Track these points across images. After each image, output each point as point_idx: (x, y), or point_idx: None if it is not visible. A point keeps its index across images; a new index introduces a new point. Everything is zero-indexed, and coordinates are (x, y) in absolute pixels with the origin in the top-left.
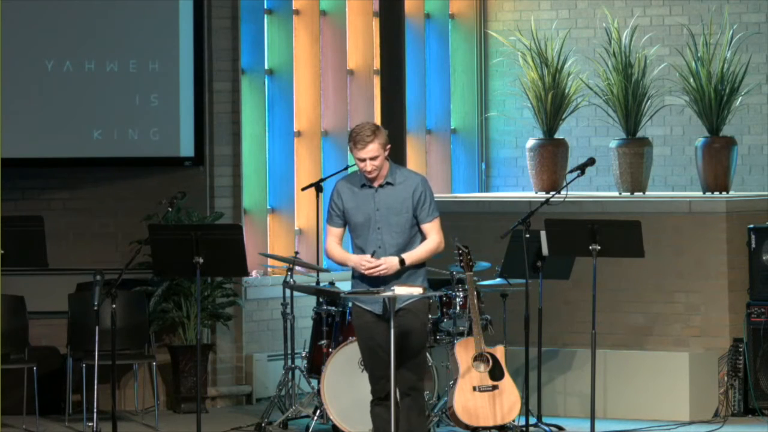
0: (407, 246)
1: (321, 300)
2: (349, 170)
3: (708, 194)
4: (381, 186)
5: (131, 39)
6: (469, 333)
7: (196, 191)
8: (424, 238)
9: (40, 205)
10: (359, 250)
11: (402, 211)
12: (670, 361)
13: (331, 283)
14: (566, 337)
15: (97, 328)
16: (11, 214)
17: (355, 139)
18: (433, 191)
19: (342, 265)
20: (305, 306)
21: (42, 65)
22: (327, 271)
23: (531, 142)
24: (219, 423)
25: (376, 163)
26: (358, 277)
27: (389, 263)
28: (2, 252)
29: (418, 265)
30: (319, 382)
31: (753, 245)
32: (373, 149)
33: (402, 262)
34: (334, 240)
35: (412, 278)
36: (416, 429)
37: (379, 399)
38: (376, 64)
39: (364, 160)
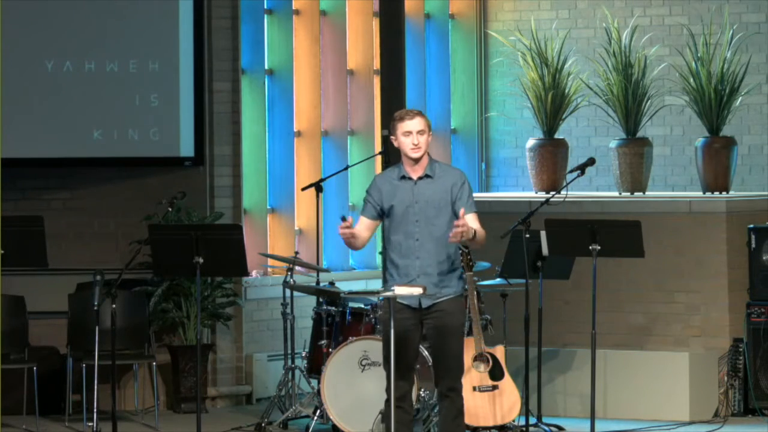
0: (445, 239)
1: (321, 300)
2: (349, 171)
3: (708, 194)
4: (420, 178)
5: (131, 39)
6: (469, 333)
7: (196, 191)
8: None
9: (40, 205)
10: (397, 245)
11: (440, 204)
12: (670, 361)
13: (331, 283)
14: (566, 337)
15: (97, 328)
16: (11, 214)
17: (401, 115)
18: None
19: (353, 247)
20: (305, 306)
21: (42, 65)
22: (327, 271)
23: (531, 142)
24: (219, 423)
25: (422, 139)
26: (390, 269)
27: (467, 226)
28: (2, 252)
29: (454, 267)
30: (319, 382)
31: (753, 245)
32: (422, 123)
33: (475, 233)
34: (360, 226)
35: (448, 278)
36: (456, 430)
37: (389, 400)
38: (376, 64)
39: (411, 133)
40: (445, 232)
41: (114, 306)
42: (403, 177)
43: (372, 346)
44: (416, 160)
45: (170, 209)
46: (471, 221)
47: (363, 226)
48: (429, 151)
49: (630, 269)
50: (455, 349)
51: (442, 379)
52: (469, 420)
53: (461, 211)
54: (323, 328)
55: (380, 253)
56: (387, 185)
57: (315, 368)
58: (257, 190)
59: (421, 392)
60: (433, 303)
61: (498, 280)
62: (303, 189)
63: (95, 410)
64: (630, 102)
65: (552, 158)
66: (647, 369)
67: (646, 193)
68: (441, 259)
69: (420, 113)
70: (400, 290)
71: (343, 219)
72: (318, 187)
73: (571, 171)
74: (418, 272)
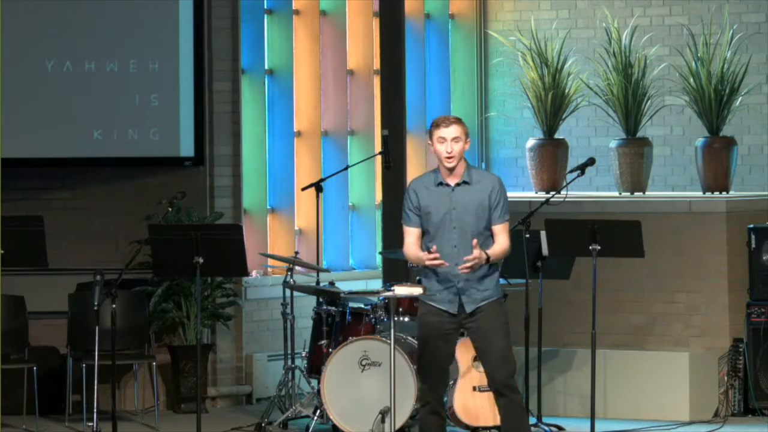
0: (482, 247)
1: (321, 300)
2: (349, 171)
3: (708, 194)
4: (457, 185)
5: (131, 39)
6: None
7: (196, 191)
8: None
9: (40, 205)
10: (443, 254)
11: (478, 211)
12: (670, 361)
13: (331, 283)
14: (566, 337)
15: (97, 328)
16: (11, 214)
17: (437, 122)
18: None
19: (418, 264)
20: (305, 306)
21: (42, 65)
22: (327, 271)
23: (531, 142)
24: (219, 423)
25: (457, 147)
26: (429, 275)
27: (480, 257)
28: (2, 252)
29: (494, 267)
30: (319, 382)
31: (753, 245)
32: (457, 131)
33: (488, 258)
34: (411, 240)
35: (489, 279)
36: (519, 426)
37: (429, 404)
38: (376, 64)
39: (445, 140)
40: (483, 239)
41: (114, 306)
42: (440, 183)
43: (372, 346)
44: (451, 169)
45: (170, 209)
46: (499, 232)
47: (415, 239)
48: (427, 152)
49: (630, 269)
50: (500, 346)
51: (493, 378)
52: (469, 420)
53: (474, 242)
54: (323, 328)
55: (380, 253)
56: (424, 190)
57: (315, 368)
58: (257, 190)
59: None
60: (476, 307)
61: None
62: (303, 189)
63: (95, 410)
64: (630, 102)
65: (552, 158)
66: (647, 369)
67: (646, 193)
68: (480, 265)
69: (457, 120)
70: (400, 290)
71: (429, 251)
72: (318, 187)
73: (571, 171)
74: (459, 279)
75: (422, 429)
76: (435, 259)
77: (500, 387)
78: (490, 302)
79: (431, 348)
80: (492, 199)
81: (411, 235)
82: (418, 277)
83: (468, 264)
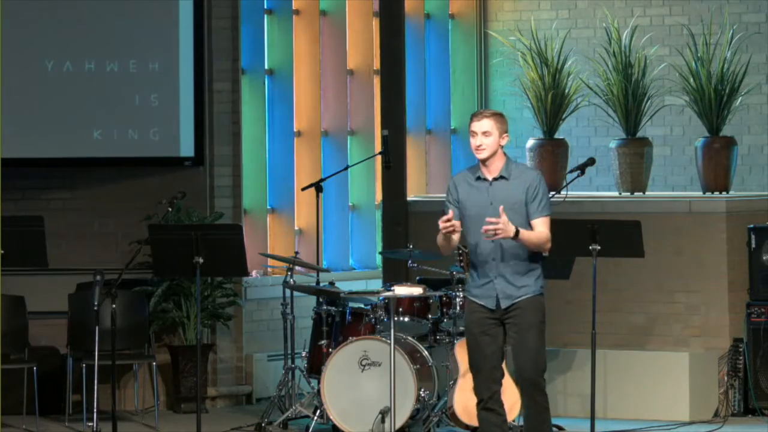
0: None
1: (321, 300)
2: (349, 171)
3: (708, 194)
4: (495, 179)
5: (131, 39)
6: None
7: (196, 191)
8: None
9: (40, 205)
10: (474, 248)
11: (515, 206)
12: (670, 361)
13: (331, 283)
14: (566, 337)
15: (97, 328)
16: (11, 214)
17: (472, 115)
18: (435, 192)
19: (445, 248)
20: (305, 306)
21: (42, 65)
22: (327, 271)
23: (531, 142)
24: (219, 423)
25: (487, 141)
26: (472, 270)
27: (506, 226)
28: (2, 252)
29: (534, 263)
30: (319, 382)
31: (753, 245)
32: (487, 125)
33: (517, 231)
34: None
35: (528, 275)
36: (540, 427)
37: (483, 401)
38: (376, 64)
39: (476, 134)
40: None
41: (114, 306)
42: (479, 178)
43: (372, 346)
44: (483, 162)
45: (170, 209)
46: (537, 225)
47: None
48: (432, 150)
49: (630, 269)
50: (532, 344)
51: (520, 375)
52: (469, 420)
53: (500, 208)
54: (323, 328)
55: (380, 253)
56: (464, 185)
57: (315, 368)
58: (257, 190)
59: (421, 392)
60: (511, 303)
61: None
62: (303, 189)
63: (95, 410)
64: (630, 102)
65: (552, 158)
66: (647, 369)
67: (646, 193)
68: (518, 260)
69: (492, 114)
70: (400, 290)
71: (444, 212)
72: (318, 187)
73: (571, 171)
74: (496, 274)
75: (480, 426)
76: (448, 221)
77: (526, 385)
78: (527, 299)
79: (477, 344)
80: (529, 194)
81: None
82: (418, 277)
83: (491, 227)
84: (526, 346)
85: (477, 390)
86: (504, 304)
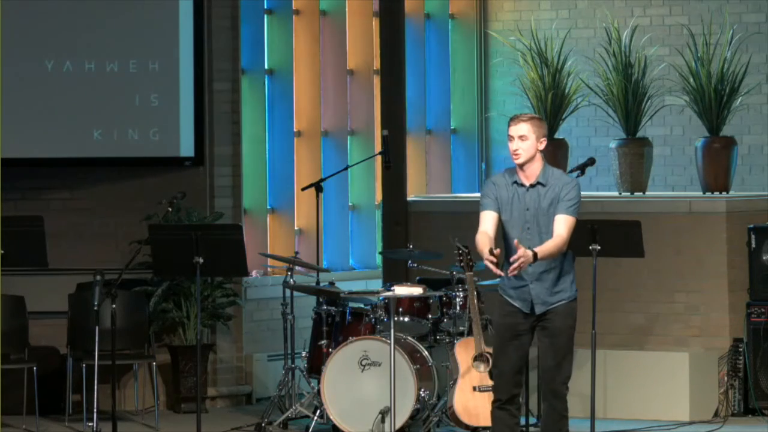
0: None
1: (321, 300)
2: (349, 171)
3: (708, 194)
4: (532, 185)
5: (131, 39)
6: (469, 333)
7: (196, 191)
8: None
9: (40, 205)
10: (510, 252)
11: (551, 212)
12: (670, 361)
13: (331, 283)
14: None
15: (97, 328)
16: (11, 214)
17: (510, 118)
18: (435, 191)
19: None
20: (305, 306)
21: (42, 65)
22: (327, 271)
23: None
24: (219, 423)
25: (523, 145)
26: (506, 268)
27: (525, 256)
28: (2, 252)
29: (568, 266)
30: (319, 382)
31: (753, 245)
32: (524, 129)
33: (535, 255)
34: (483, 228)
35: (563, 280)
36: None
37: (500, 401)
38: (376, 64)
39: (513, 138)
40: None
41: (114, 306)
42: (516, 182)
43: (372, 346)
44: (520, 167)
45: (170, 209)
46: (558, 221)
47: (491, 223)
48: (432, 150)
49: (630, 269)
50: (559, 351)
51: (543, 380)
52: (469, 420)
53: (515, 242)
54: (323, 328)
55: (380, 253)
56: (503, 186)
57: (315, 368)
58: (257, 190)
59: (421, 392)
60: (546, 309)
61: (498, 280)
62: (303, 189)
63: (95, 410)
64: (630, 102)
65: (552, 158)
66: (647, 369)
67: (646, 193)
68: (553, 264)
69: (530, 118)
70: (400, 290)
71: (491, 252)
72: (318, 187)
73: (571, 171)
74: (531, 278)
75: (492, 425)
76: (493, 261)
77: (547, 391)
78: (562, 305)
79: (504, 348)
80: (562, 193)
81: (485, 221)
82: (418, 277)
83: (514, 266)
84: (551, 353)
85: (496, 390)
86: (539, 310)
